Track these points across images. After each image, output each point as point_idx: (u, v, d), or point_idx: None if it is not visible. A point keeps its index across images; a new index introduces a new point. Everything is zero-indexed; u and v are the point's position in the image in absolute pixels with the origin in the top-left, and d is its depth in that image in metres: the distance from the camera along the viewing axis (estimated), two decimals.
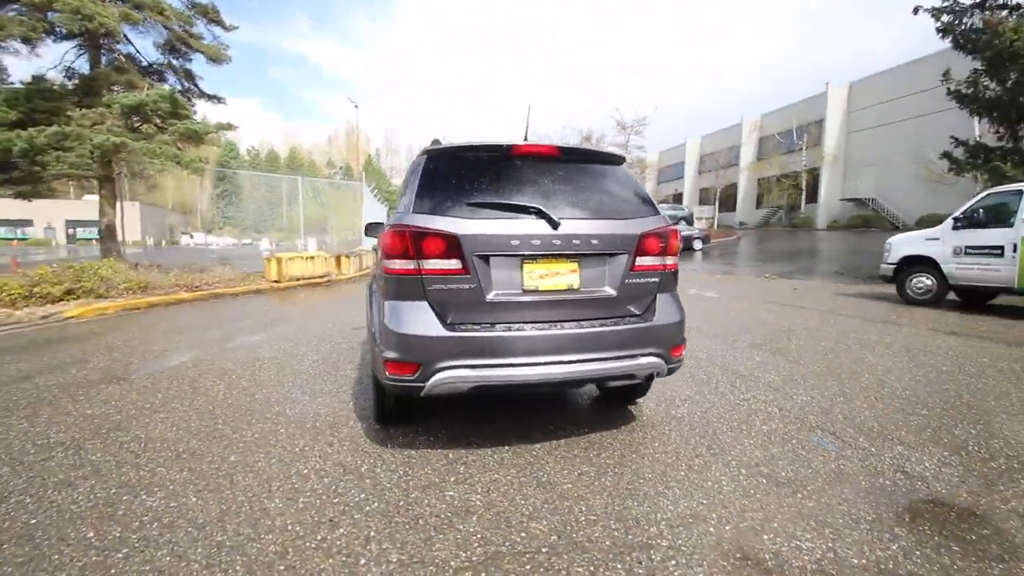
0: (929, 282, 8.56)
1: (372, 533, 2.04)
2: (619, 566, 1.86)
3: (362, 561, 1.87)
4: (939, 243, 8.38)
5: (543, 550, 1.95)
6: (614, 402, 3.58)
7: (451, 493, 2.36)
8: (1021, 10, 11.56)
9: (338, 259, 13.59)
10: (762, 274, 15.05)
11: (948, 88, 13.58)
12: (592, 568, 1.85)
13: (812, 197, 33.28)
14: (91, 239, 43.02)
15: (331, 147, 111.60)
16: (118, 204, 11.51)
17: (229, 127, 11.43)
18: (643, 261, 2.70)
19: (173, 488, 2.39)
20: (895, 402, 3.63)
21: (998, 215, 7.60)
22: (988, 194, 8.00)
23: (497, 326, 2.51)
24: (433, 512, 2.20)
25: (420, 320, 2.45)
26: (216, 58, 12.03)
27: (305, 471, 2.57)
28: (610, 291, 2.66)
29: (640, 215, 2.77)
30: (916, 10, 13.86)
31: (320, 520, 2.13)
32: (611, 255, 2.65)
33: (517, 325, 2.52)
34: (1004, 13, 11.64)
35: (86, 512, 2.19)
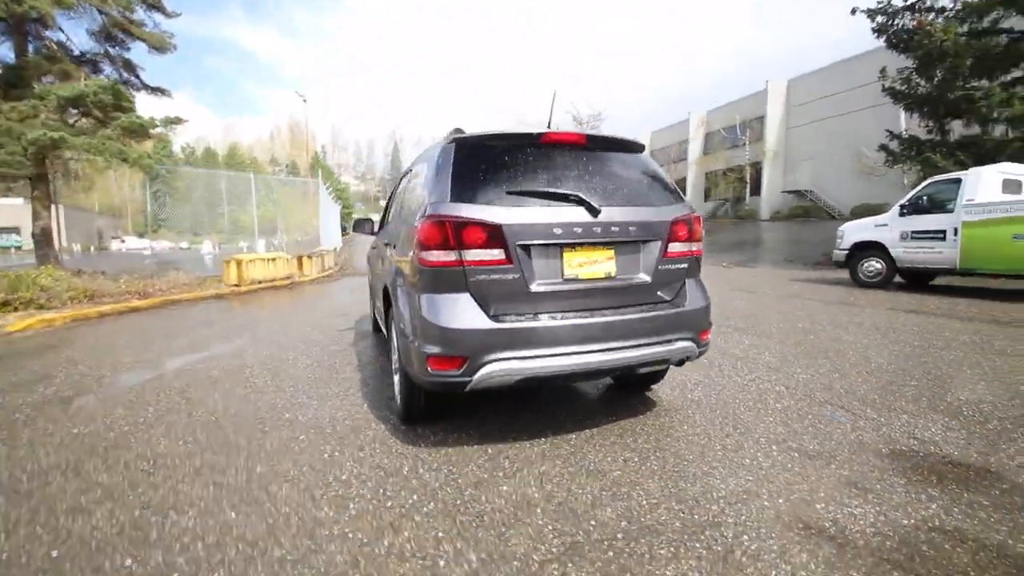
0: (879, 266, 9.21)
1: (440, 534, 1.98)
2: (697, 545, 1.89)
3: (441, 563, 1.81)
4: (887, 229, 9.02)
5: (619, 536, 1.95)
6: (631, 389, 3.63)
7: (505, 488, 2.32)
8: (947, 12, 12.59)
9: (300, 260, 13.05)
10: (720, 263, 15.70)
11: (883, 85, 14.62)
12: (673, 549, 1.86)
13: (756, 190, 34.99)
14: (9, 247, 39.24)
15: (274, 143, 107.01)
16: (53, 206, 10.51)
17: (178, 121, 10.66)
18: (674, 248, 2.74)
19: (205, 505, 2.22)
20: (884, 375, 3.88)
21: (940, 202, 8.27)
22: (930, 183, 8.69)
23: (541, 316, 2.48)
24: (495, 508, 2.15)
25: (464, 313, 2.39)
26: (160, 47, 11.17)
27: (344, 477, 2.45)
28: (645, 277, 2.68)
29: (668, 202, 2.81)
30: (854, 11, 14.81)
31: (380, 525, 2.04)
32: (644, 242, 2.68)
33: (560, 314, 2.51)
34: (932, 15, 12.64)
35: (114, 539, 2.00)
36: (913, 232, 8.58)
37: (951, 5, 13.16)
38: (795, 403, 3.34)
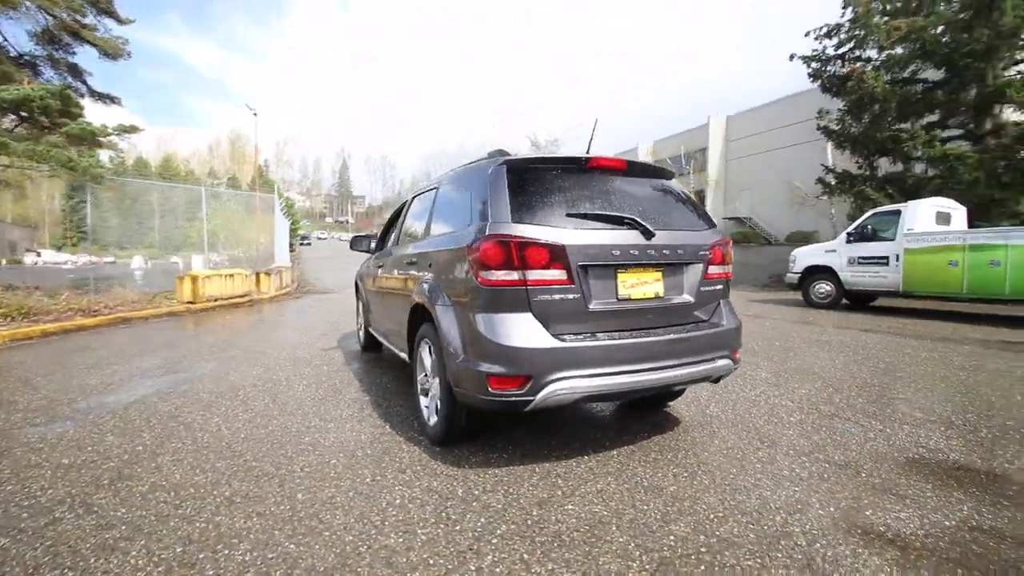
0: (829, 288, 9.94)
1: (525, 556, 1.93)
2: (779, 555, 1.94)
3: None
4: (836, 254, 9.78)
5: (702, 550, 1.97)
6: (647, 408, 3.69)
7: (571, 507, 2.29)
8: (873, 61, 14.02)
9: (258, 277, 12.43)
10: None
11: (819, 124, 16.01)
12: (758, 560, 1.91)
13: None
14: None
15: (212, 156, 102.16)
16: None
17: (134, 129, 9.93)
18: (713, 270, 2.86)
19: (257, 537, 2.05)
20: (873, 390, 4.18)
21: (882, 231, 9.08)
22: (873, 213, 9.54)
23: (599, 335, 2.51)
24: (569, 527, 2.12)
25: (528, 332, 2.38)
26: (114, 53, 10.47)
27: (398, 501, 2.34)
28: (688, 298, 2.78)
29: (705, 226, 2.94)
30: (792, 56, 16.21)
31: (459, 550, 1.96)
32: (688, 264, 2.78)
33: (616, 333, 2.55)
34: (859, 64, 14.04)
35: None
36: (859, 258, 9.36)
37: (876, 56, 14.71)
38: (806, 416, 3.52)
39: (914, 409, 3.67)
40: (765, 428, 3.30)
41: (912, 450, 2.97)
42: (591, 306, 2.50)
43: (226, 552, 1.95)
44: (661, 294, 2.69)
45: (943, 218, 8.96)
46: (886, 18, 13.50)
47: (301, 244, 48.02)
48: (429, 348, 3.05)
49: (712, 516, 2.22)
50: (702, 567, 1.86)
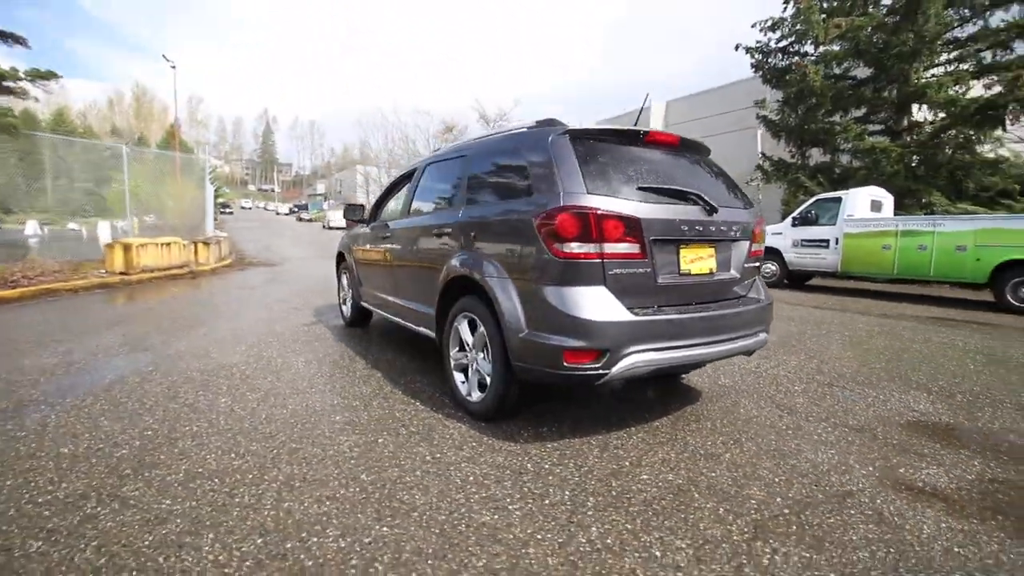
0: (774, 268, 10.67)
1: (627, 526, 1.94)
2: (852, 512, 2.09)
3: (657, 553, 1.79)
4: (782, 237, 10.49)
5: (785, 511, 2.08)
6: (661, 380, 3.80)
7: (645, 476, 2.33)
8: (810, 56, 14.94)
9: (196, 246, 11.39)
10: None
11: (758, 114, 16.95)
12: (841, 517, 2.04)
13: None
14: None
15: (113, 112, 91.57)
16: None
17: (51, 75, 8.52)
18: (756, 247, 2.97)
19: (342, 522, 1.92)
20: (852, 361, 4.57)
21: (825, 216, 9.84)
22: (817, 199, 10.29)
23: (665, 309, 2.54)
24: (654, 496, 2.16)
25: (604, 305, 2.36)
26: None
27: (472, 478, 2.27)
28: (735, 274, 2.87)
29: (747, 204, 3.03)
30: (737, 47, 16.90)
31: (560, 524, 1.94)
32: (736, 241, 2.86)
33: (679, 307, 2.58)
34: (797, 58, 14.93)
35: (258, 571, 1.65)
36: (803, 240, 10.12)
37: (812, 52, 15.68)
38: (808, 385, 3.79)
39: (893, 378, 4.05)
40: (778, 397, 3.51)
41: (908, 414, 3.29)
42: (659, 280, 2.51)
43: (315, 540, 1.81)
44: (714, 270, 2.76)
45: (876, 206, 9.86)
46: (824, 15, 14.39)
47: (222, 213, 44.49)
48: (469, 322, 2.96)
49: (778, 480, 2.34)
50: (794, 527, 1.97)
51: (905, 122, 14.43)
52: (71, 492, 2.10)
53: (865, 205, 9.63)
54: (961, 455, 2.69)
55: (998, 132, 12.45)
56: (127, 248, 9.09)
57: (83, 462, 2.35)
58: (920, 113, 14.16)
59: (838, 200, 9.73)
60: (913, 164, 13.50)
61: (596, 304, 2.35)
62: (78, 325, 5.41)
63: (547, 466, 2.40)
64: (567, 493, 2.17)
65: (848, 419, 3.15)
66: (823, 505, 2.13)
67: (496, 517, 1.98)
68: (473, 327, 2.96)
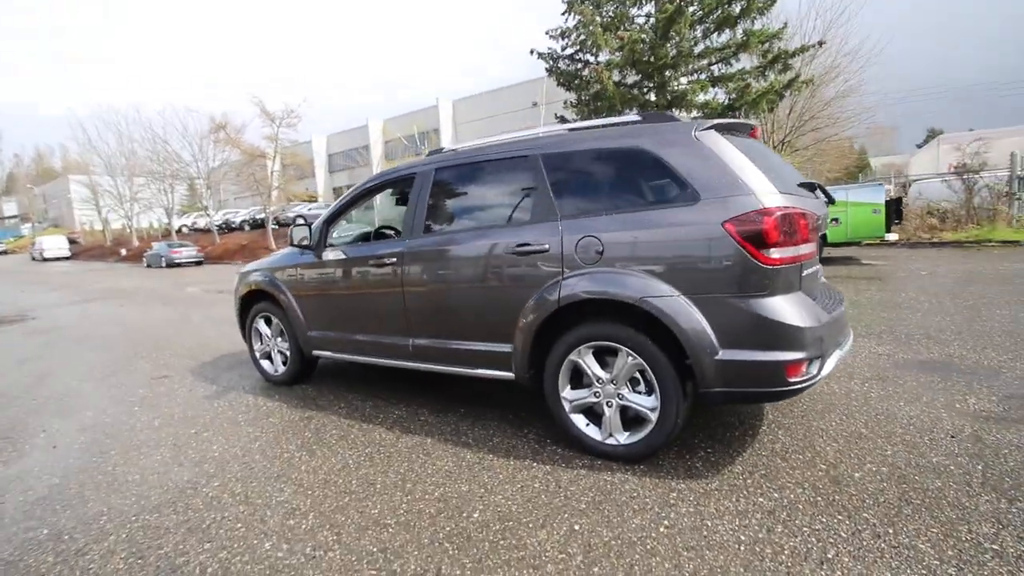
0: None
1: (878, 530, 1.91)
2: (978, 466, 2.40)
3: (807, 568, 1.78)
4: None
5: (950, 467, 2.32)
6: None
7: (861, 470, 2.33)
8: (592, 64, 17.06)
9: None
10: None
11: (556, 114, 18.82)
12: (965, 464, 2.36)
13: None
14: None
15: None
16: None
17: None
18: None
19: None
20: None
21: None
22: None
23: (829, 306, 2.54)
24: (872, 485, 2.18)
25: (811, 310, 2.30)
26: None
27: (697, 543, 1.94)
28: (819, 266, 2.99)
29: None
30: (532, 51, 18.33)
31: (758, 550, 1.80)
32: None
33: (827, 305, 2.59)
34: (594, 63, 16.97)
35: None
36: None
37: (592, 59, 18.00)
38: None
39: (891, 328, 4.88)
40: None
41: (924, 354, 4.00)
42: (804, 275, 2.50)
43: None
44: (816, 262, 2.86)
45: None
46: (602, 28, 16.62)
47: None
48: (596, 353, 2.54)
49: (917, 442, 2.60)
50: (939, 483, 2.21)
51: None
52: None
53: None
54: (997, 382, 3.35)
55: None
56: None
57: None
58: (683, 115, 17.55)
59: None
60: None
61: (806, 310, 2.27)
62: None
63: (783, 514, 2.21)
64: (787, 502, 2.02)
65: (896, 372, 3.69)
66: (964, 456, 2.45)
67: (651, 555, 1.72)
68: (601, 358, 2.54)
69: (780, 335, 2.19)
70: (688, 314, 2.28)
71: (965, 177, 13.87)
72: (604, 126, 2.84)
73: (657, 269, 2.38)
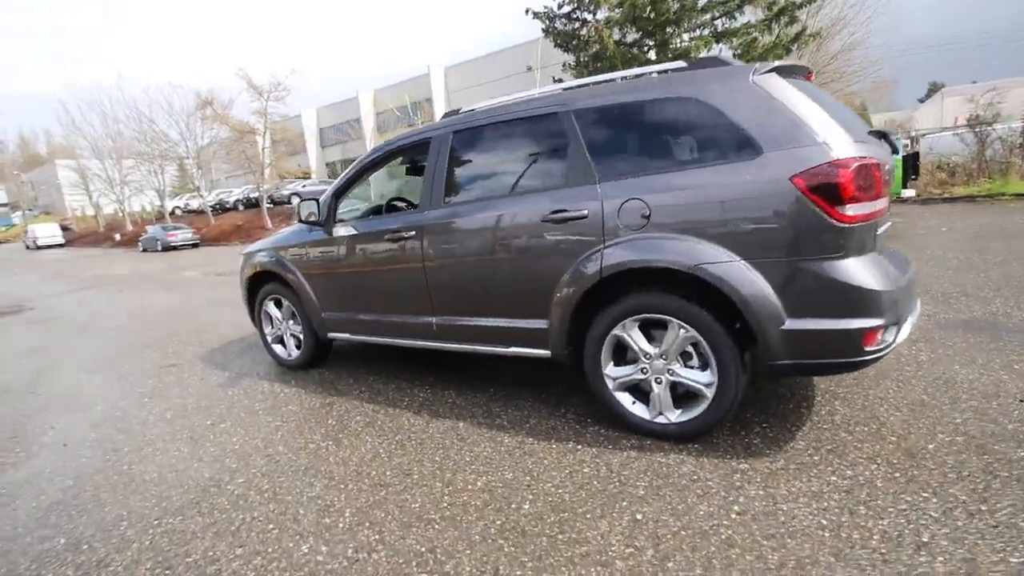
0: None
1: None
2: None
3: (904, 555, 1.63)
4: None
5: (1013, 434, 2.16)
6: None
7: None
8: (591, 22, 16.33)
9: None
10: None
11: (554, 77, 18.12)
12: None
13: None
14: None
15: None
16: None
17: None
18: None
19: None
20: None
21: None
22: None
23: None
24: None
25: (888, 271, 2.08)
26: None
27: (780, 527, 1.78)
28: (890, 223, 2.75)
29: None
30: (527, 11, 17.55)
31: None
32: None
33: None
34: (593, 21, 16.24)
35: None
36: None
37: (591, 18, 17.24)
38: None
39: (926, 286, 4.63)
40: None
41: (968, 313, 3.82)
42: (877, 232, 2.28)
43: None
44: (888, 219, 2.62)
45: None
46: None
47: None
48: (642, 326, 2.35)
49: (986, 408, 2.43)
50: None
51: None
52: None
53: None
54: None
55: None
56: None
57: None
58: None
59: None
60: None
61: (883, 272, 2.06)
62: None
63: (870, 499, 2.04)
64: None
65: (947, 338, 3.50)
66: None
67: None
68: (647, 331, 2.35)
69: (856, 301, 1.99)
70: (750, 281, 2.07)
71: (978, 130, 13.44)
72: (644, 75, 2.57)
73: (712, 233, 2.14)
